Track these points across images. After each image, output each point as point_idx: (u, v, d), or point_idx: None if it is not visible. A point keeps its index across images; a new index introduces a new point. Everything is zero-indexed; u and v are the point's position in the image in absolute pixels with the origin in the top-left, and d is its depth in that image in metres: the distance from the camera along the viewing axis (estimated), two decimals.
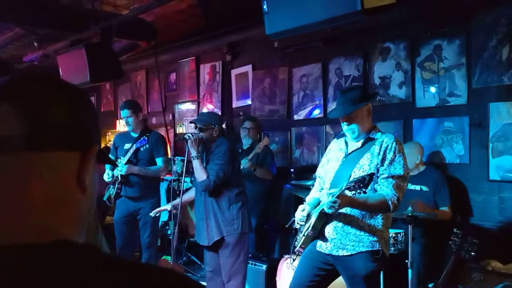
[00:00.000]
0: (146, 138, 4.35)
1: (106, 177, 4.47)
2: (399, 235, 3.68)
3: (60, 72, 4.57)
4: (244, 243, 3.49)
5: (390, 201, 2.45)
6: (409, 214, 3.41)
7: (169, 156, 5.14)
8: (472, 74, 4.01)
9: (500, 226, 3.84)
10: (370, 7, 2.26)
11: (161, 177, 4.91)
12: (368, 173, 2.39)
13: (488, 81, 3.92)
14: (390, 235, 3.43)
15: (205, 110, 6.57)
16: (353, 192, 2.38)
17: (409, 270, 3.37)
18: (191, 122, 3.63)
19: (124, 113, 4.51)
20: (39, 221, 0.68)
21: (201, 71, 6.66)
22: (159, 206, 4.36)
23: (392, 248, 3.58)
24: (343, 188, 2.40)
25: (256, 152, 4.57)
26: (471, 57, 4.02)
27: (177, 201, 3.91)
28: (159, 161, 4.50)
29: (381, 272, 3.20)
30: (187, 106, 6.96)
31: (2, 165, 0.67)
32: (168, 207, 4.05)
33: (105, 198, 4.59)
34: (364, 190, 2.32)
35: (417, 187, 3.82)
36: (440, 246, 3.69)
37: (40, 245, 0.65)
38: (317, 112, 5.24)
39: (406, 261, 3.38)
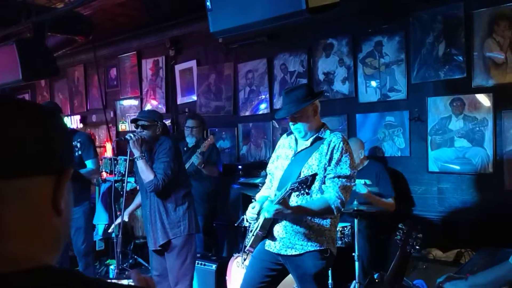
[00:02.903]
0: (78, 144, 4.05)
1: None
2: (345, 228, 3.76)
3: None
4: (191, 244, 3.42)
5: (333, 206, 2.48)
6: (355, 208, 3.49)
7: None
8: (411, 69, 4.15)
9: (440, 216, 4.02)
10: (315, 6, 2.25)
11: (93, 179, 4.66)
12: (311, 173, 2.40)
13: (426, 77, 4.08)
14: (337, 229, 3.49)
15: (148, 106, 6.39)
16: (297, 193, 2.40)
17: (356, 263, 3.46)
18: (133, 121, 3.47)
19: None
20: (16, 249, 0.67)
21: (143, 67, 6.46)
22: (92, 210, 4.14)
23: (340, 242, 3.65)
24: (286, 191, 2.40)
25: (201, 150, 4.48)
26: (410, 53, 4.16)
27: (132, 207, 3.77)
28: (89, 163, 4.22)
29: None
30: (130, 103, 6.73)
31: None
32: (126, 218, 3.78)
33: None
34: (307, 191, 2.33)
35: (361, 181, 3.90)
36: (384, 237, 3.82)
37: (19, 273, 0.64)
38: (263, 107, 5.24)
39: (353, 253, 3.46)
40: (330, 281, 3.43)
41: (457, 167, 3.92)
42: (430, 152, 4.06)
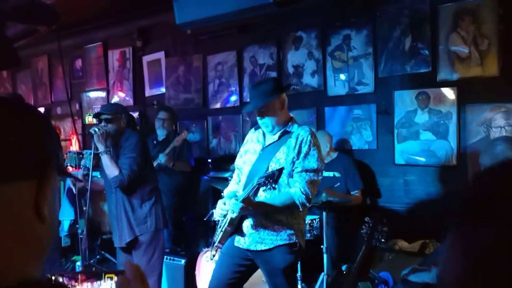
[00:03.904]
0: None
1: None
2: (314, 221, 3.79)
3: None
4: (158, 240, 3.37)
5: (298, 201, 2.49)
6: (323, 201, 3.52)
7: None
8: (378, 63, 4.20)
9: (406, 207, 4.10)
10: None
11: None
12: (278, 168, 2.40)
13: (393, 70, 4.13)
14: (306, 221, 3.51)
15: (116, 98, 6.24)
16: (264, 187, 2.40)
17: (324, 255, 3.49)
18: (95, 116, 3.37)
19: None
20: None
21: (109, 58, 6.29)
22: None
23: (308, 234, 3.68)
24: (253, 186, 2.40)
25: (173, 145, 4.42)
26: (377, 47, 4.20)
27: None
28: None
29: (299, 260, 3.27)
30: (96, 94, 6.56)
31: None
32: None
33: None
34: (274, 185, 2.33)
35: (330, 174, 3.94)
36: (351, 229, 3.86)
37: None
38: (233, 100, 5.20)
39: (321, 246, 3.49)
40: (299, 273, 3.46)
41: (423, 159, 4.00)
42: (396, 145, 4.13)
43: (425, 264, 2.52)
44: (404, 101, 4.08)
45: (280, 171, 2.35)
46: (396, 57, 4.09)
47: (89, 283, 1.02)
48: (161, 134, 4.71)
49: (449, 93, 3.86)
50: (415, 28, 3.99)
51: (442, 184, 3.93)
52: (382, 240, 2.24)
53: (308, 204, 2.52)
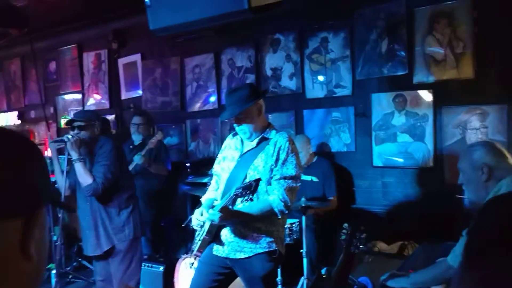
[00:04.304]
0: None
1: None
2: (293, 225, 3.78)
3: None
4: (136, 248, 3.31)
5: (276, 209, 2.47)
6: (303, 205, 3.51)
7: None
8: (356, 66, 4.21)
9: (384, 209, 4.13)
10: (257, 6, 2.20)
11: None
12: (255, 179, 2.37)
13: (370, 73, 4.14)
14: (286, 225, 3.50)
15: (91, 101, 6.13)
16: (241, 198, 2.37)
17: (304, 259, 3.49)
18: (67, 123, 3.28)
19: None
20: None
21: (84, 60, 6.17)
22: None
23: (288, 238, 3.67)
24: (230, 197, 2.37)
25: (149, 147, 4.35)
26: (355, 49, 4.21)
27: None
28: None
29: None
30: (71, 97, 6.42)
31: None
32: None
33: None
34: (250, 197, 2.31)
35: (308, 178, 3.93)
36: (331, 232, 3.87)
37: None
38: (211, 101, 5.15)
39: (301, 250, 3.48)
40: (279, 277, 3.44)
41: (401, 161, 4.02)
42: (374, 147, 4.15)
43: (403, 269, 2.53)
44: (381, 103, 4.10)
45: (257, 182, 2.32)
46: (373, 60, 4.11)
47: None
48: (136, 139, 4.63)
49: (426, 95, 3.90)
50: (391, 31, 4.01)
51: (419, 186, 3.97)
52: (361, 246, 2.24)
53: (286, 212, 2.50)
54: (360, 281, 2.92)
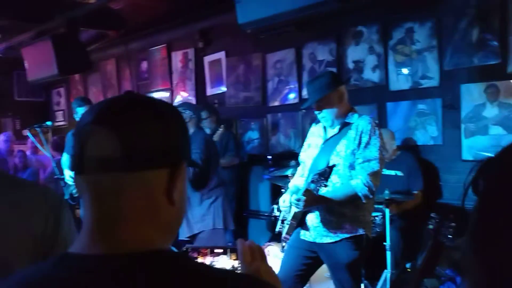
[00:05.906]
0: None
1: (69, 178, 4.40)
2: (376, 218, 3.74)
3: (26, 65, 4.40)
4: (217, 239, 3.41)
5: (361, 194, 2.47)
6: (386, 198, 3.46)
7: None
8: (444, 56, 4.05)
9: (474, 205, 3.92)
10: None
11: None
12: (329, 165, 2.40)
13: (459, 63, 3.97)
14: None
15: (179, 98, 6.47)
16: (315, 185, 2.41)
17: (388, 252, 3.43)
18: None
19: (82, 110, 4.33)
20: (130, 232, 0.73)
21: (173, 59, 6.53)
22: None
23: None
24: (308, 184, 2.42)
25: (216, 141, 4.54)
26: (442, 39, 4.06)
27: None
28: None
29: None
30: (161, 94, 6.84)
31: (102, 182, 0.73)
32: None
33: (66, 197, 4.50)
34: (325, 183, 2.34)
35: (392, 172, 3.86)
36: (416, 228, 3.77)
37: (131, 255, 0.71)
38: (292, 97, 5.23)
39: (384, 243, 3.44)
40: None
41: (492, 156, 3.81)
42: (463, 140, 3.97)
43: None
44: (472, 94, 3.91)
45: (331, 168, 2.36)
46: (463, 49, 3.93)
47: (211, 257, 1.11)
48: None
49: None
50: (482, 19, 3.81)
51: None
52: (449, 236, 2.19)
53: (371, 196, 2.50)
54: (448, 273, 2.84)
